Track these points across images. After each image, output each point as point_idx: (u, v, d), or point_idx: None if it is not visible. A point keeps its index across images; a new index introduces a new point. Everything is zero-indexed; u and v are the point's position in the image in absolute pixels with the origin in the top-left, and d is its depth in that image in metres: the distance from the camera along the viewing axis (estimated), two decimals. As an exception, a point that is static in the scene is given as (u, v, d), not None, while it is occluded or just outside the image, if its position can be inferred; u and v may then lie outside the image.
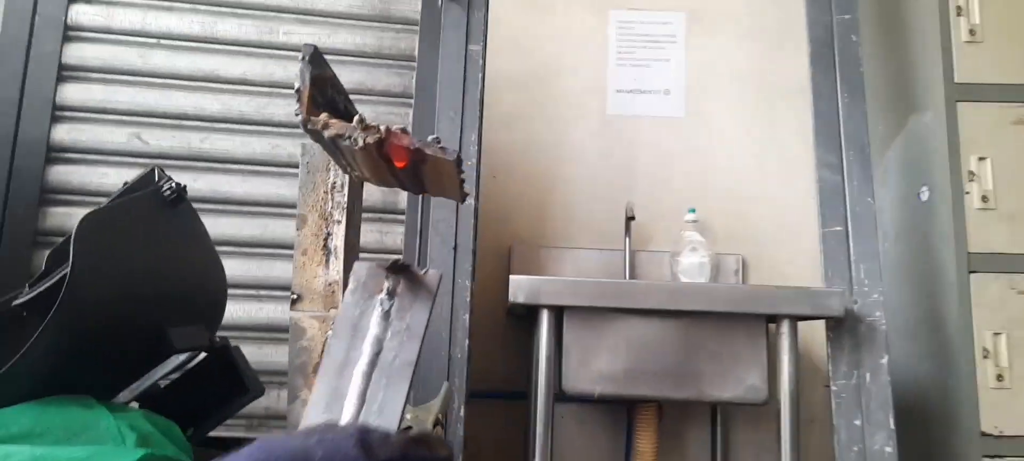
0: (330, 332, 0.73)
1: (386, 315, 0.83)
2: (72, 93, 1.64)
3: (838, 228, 1.73)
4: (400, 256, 1.64)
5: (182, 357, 0.96)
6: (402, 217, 1.67)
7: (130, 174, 1.51)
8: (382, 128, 0.75)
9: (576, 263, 2.22)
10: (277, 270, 1.67)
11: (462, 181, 0.84)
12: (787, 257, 2.26)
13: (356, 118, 0.76)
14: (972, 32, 1.87)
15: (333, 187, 0.78)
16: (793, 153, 2.32)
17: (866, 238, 1.70)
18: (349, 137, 0.74)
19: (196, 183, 1.60)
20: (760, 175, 2.32)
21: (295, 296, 0.74)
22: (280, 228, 1.66)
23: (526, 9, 2.43)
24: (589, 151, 2.34)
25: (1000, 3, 1.89)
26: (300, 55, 0.77)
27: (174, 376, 0.99)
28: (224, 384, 0.97)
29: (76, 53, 1.65)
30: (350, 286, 0.82)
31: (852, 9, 1.93)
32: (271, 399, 1.23)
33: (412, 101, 1.71)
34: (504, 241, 2.24)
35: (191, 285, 0.97)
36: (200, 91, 1.68)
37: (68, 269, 0.76)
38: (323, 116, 0.75)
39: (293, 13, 1.71)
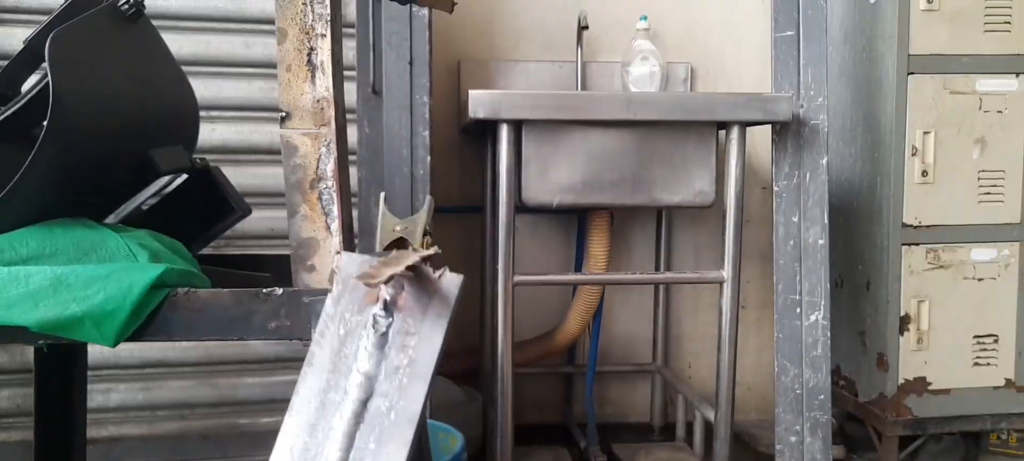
0: (323, 149, 0.73)
1: (381, 340, 0.66)
2: None
3: (789, 33, 1.76)
4: (354, 73, 1.60)
5: (163, 180, 0.95)
6: (352, 30, 1.60)
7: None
8: None
9: (527, 76, 2.20)
10: (226, 90, 1.62)
11: None
12: (733, 66, 2.29)
13: None
14: None
15: None
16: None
17: (815, 42, 1.74)
18: None
19: None
20: (708, -13, 2.29)
21: (284, 114, 0.73)
22: (224, 44, 1.59)
23: None
24: (539, -44, 2.25)
25: None
26: None
27: (153, 200, 0.98)
28: (208, 205, 0.97)
29: None
30: (333, 290, 0.68)
31: None
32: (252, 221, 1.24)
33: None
34: (452, 57, 2.19)
35: (165, 104, 0.94)
36: None
37: (49, 91, 0.71)
38: None
39: None
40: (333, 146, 0.72)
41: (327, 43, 0.71)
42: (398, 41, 1.58)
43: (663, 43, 2.23)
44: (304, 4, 0.72)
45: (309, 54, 0.73)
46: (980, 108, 1.83)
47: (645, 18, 2.15)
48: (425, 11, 1.58)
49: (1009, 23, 1.83)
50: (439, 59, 2.17)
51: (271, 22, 1.57)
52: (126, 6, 0.86)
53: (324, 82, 0.72)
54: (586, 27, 2.09)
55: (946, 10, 1.81)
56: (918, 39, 1.81)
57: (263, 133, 1.64)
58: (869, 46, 1.93)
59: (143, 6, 0.89)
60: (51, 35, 0.72)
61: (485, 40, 2.23)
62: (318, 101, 0.72)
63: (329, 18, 0.71)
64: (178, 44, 1.55)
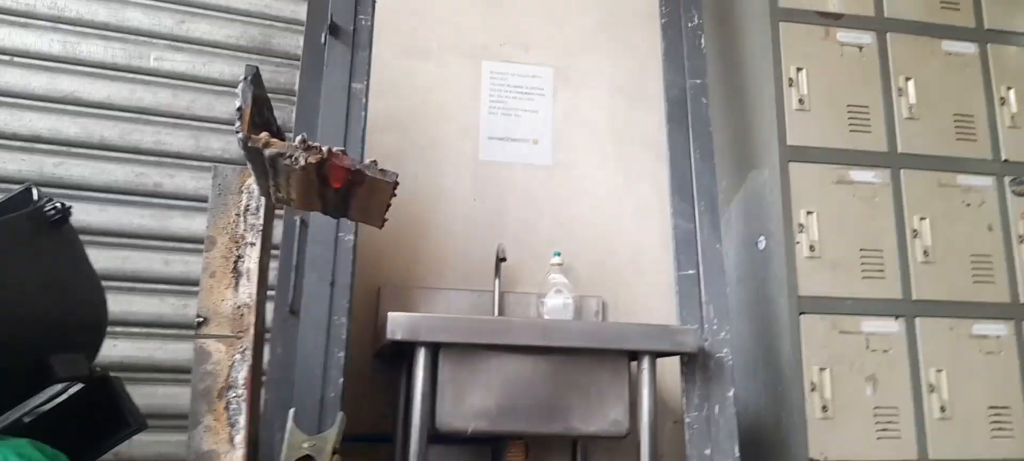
0: (237, 356, 0.73)
1: None
2: (-97, 107, 1.49)
3: (691, 271, 1.90)
4: (272, 292, 1.61)
5: (58, 387, 0.90)
6: (276, 252, 1.64)
7: (-31, 198, 1.39)
8: (324, 149, 0.77)
9: (447, 303, 2.25)
10: (136, 305, 1.58)
11: (389, 205, 0.87)
12: (642, 299, 2.42)
13: (299, 137, 0.77)
14: (801, 102, 2.14)
15: (246, 209, 0.78)
16: (648, 202, 2.51)
17: (715, 281, 1.88)
18: (290, 156, 0.74)
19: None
20: (619, 221, 2.49)
21: (200, 319, 0.73)
22: (141, 260, 1.58)
23: (404, 53, 2.48)
24: (462, 195, 2.41)
25: (823, 78, 2.18)
26: (242, 76, 0.77)
27: (46, 407, 0.92)
28: (103, 417, 0.91)
29: (-90, 63, 1.50)
30: None
31: (702, 75, 2.14)
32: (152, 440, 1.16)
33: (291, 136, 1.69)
34: (373, 282, 2.24)
35: (72, 311, 0.92)
36: (57, 113, 1.57)
37: None
38: (264, 135, 0.76)
39: (166, 39, 1.66)
40: (248, 354, 0.72)
41: (256, 252, 0.73)
42: (322, 263, 1.61)
43: (576, 276, 2.35)
44: (237, 214, 0.75)
45: (236, 262, 0.75)
46: (868, 347, 1.98)
47: (559, 253, 2.29)
48: (351, 236, 1.64)
49: (882, 271, 2.04)
50: (360, 282, 2.21)
51: (194, 241, 1.60)
52: (52, 212, 0.88)
53: (248, 289, 0.73)
54: (504, 259, 2.20)
55: (827, 258, 2.01)
56: (805, 282, 1.98)
57: (168, 350, 1.59)
58: (763, 287, 2.10)
59: (69, 213, 0.90)
60: None
61: (407, 268, 2.30)
62: (239, 308, 0.73)
63: (260, 229, 0.74)
64: (95, 258, 1.54)
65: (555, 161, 2.51)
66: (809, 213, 2.05)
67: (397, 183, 0.80)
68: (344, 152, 0.79)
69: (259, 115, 0.80)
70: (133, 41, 1.64)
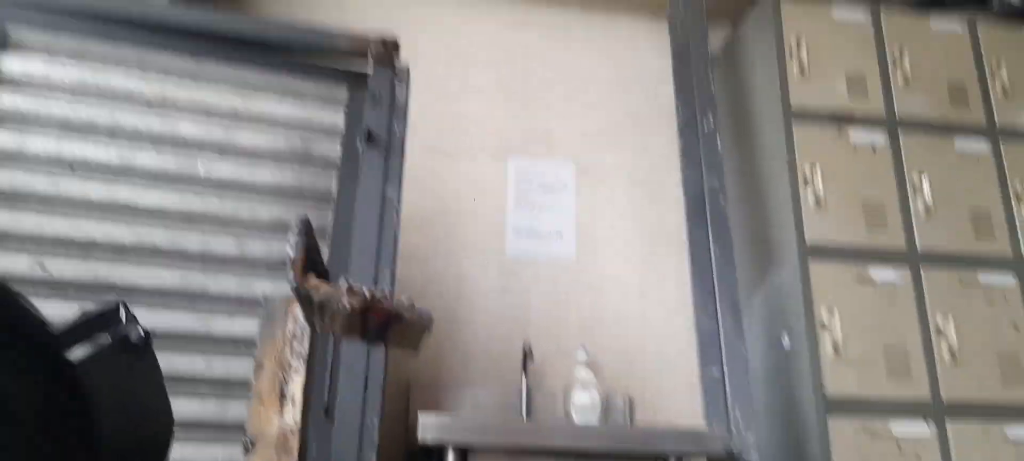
0: (286, 487, 0.77)
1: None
2: (-27, 217, 1.58)
3: (715, 371, 1.92)
4: (309, 393, 1.65)
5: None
6: (313, 353, 1.69)
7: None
8: (366, 292, 0.83)
9: (475, 400, 2.28)
10: (178, 407, 1.63)
11: (425, 337, 0.93)
12: (668, 395, 2.43)
13: (343, 283, 0.84)
14: (817, 200, 2.20)
15: (292, 337, 0.84)
16: (672, 296, 2.55)
17: (740, 382, 1.90)
18: (338, 302, 0.81)
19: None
20: (644, 316, 2.52)
21: (249, 441, 0.78)
22: (184, 362, 1.64)
23: (432, 154, 2.59)
24: (488, 290, 2.46)
25: (838, 176, 2.24)
26: (295, 228, 0.84)
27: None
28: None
29: (-20, 176, 1.61)
30: None
31: (720, 177, 2.21)
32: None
33: (329, 238, 1.77)
34: (402, 380, 2.28)
35: (150, 433, 0.97)
36: (111, 221, 1.67)
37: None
38: (314, 280, 0.83)
39: (214, 148, 1.76)
40: None
41: (300, 378, 0.79)
42: (354, 364, 1.66)
43: (602, 371, 2.38)
44: (284, 343, 0.81)
45: (282, 387, 0.80)
46: (900, 451, 1.97)
47: (584, 349, 2.32)
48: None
49: (908, 370, 2.05)
50: (390, 379, 2.25)
51: (235, 342, 1.66)
52: (138, 338, 0.94)
53: (293, 414, 0.78)
54: (530, 356, 2.23)
55: (851, 356, 2.03)
56: (831, 382, 1.99)
57: (205, 454, 1.63)
58: (789, 387, 2.11)
59: (151, 338, 0.96)
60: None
61: (435, 364, 2.34)
62: (284, 433, 0.78)
63: (305, 355, 0.79)
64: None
65: (579, 253, 2.57)
66: (831, 312, 2.08)
67: (432, 322, 0.87)
68: (385, 296, 0.85)
69: (309, 261, 0.87)
70: (183, 150, 1.74)
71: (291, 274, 0.82)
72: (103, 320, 0.98)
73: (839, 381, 2.00)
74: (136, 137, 1.74)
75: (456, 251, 2.49)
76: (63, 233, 1.63)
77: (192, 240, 1.70)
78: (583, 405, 2.16)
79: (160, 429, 1.00)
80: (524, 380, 2.25)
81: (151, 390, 0.99)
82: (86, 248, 1.63)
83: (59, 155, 1.67)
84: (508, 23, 2.84)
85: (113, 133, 1.72)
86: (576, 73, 2.83)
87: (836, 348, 2.03)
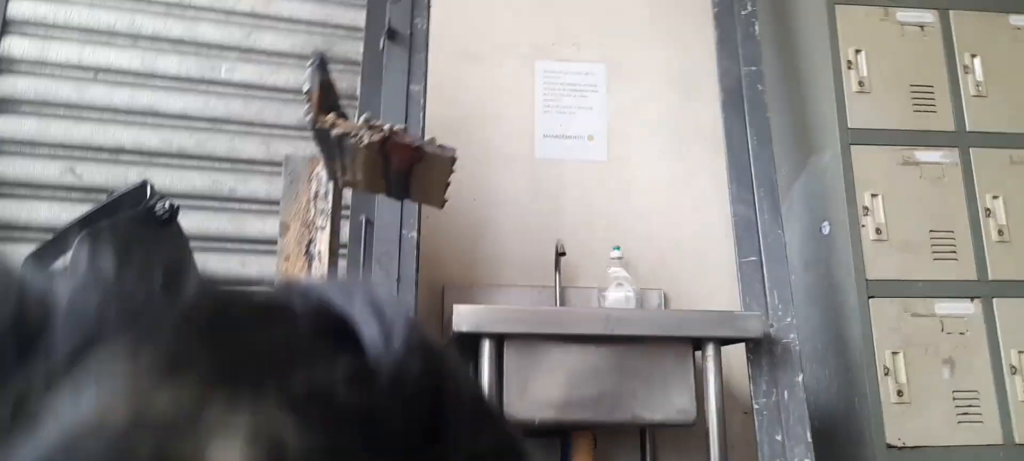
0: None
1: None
2: (2, 125, 1.60)
3: (753, 258, 1.88)
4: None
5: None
6: (342, 250, 1.70)
7: (62, 209, 1.49)
8: (386, 127, 0.81)
9: (507, 301, 2.28)
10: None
11: (448, 183, 0.91)
12: (704, 290, 2.40)
13: (363, 117, 0.81)
14: (861, 83, 2.10)
15: (315, 195, 0.82)
16: (707, 193, 2.49)
17: (778, 267, 1.86)
18: (356, 135, 0.79)
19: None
20: (678, 214, 2.48)
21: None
22: (219, 263, 1.66)
23: (457, 58, 2.53)
24: (518, 194, 2.44)
25: (883, 59, 2.14)
26: (310, 61, 0.82)
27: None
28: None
29: (8, 86, 1.62)
30: None
31: (758, 62, 2.13)
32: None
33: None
34: (437, 282, 2.29)
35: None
36: (138, 125, 1.67)
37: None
38: (331, 116, 0.80)
39: (236, 50, 1.74)
40: None
41: (325, 235, 0.78)
42: (387, 261, 1.66)
43: (636, 270, 2.35)
44: (307, 200, 0.80)
45: (308, 245, 0.79)
46: (943, 330, 1.92)
47: (618, 248, 2.29)
48: (414, 233, 1.69)
49: (955, 252, 1.98)
50: (425, 283, 2.26)
51: (268, 242, 1.67)
52: (162, 211, 0.94)
53: (320, 269, 0.77)
54: (563, 254, 2.21)
55: (895, 240, 1.96)
56: (873, 265, 1.94)
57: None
58: (829, 273, 2.06)
59: (176, 212, 0.96)
60: (80, 237, 0.79)
61: (468, 267, 2.34)
62: None
63: (329, 212, 0.78)
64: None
65: (610, 156, 2.52)
66: (874, 196, 2.01)
67: (455, 159, 0.83)
68: (405, 129, 0.83)
69: (325, 100, 0.84)
70: (206, 54, 1.72)
71: (307, 107, 0.80)
72: (132, 197, 0.99)
73: (881, 265, 1.94)
74: (157, 41, 1.72)
75: (485, 157, 2.46)
76: (91, 139, 1.64)
77: (220, 143, 1.70)
78: (617, 300, 2.14)
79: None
80: (557, 278, 2.24)
81: (178, 255, 1.00)
82: (114, 153, 1.64)
83: (81, 62, 1.67)
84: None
85: (134, 38, 1.71)
86: (603, -30, 2.72)
87: (879, 231, 1.97)
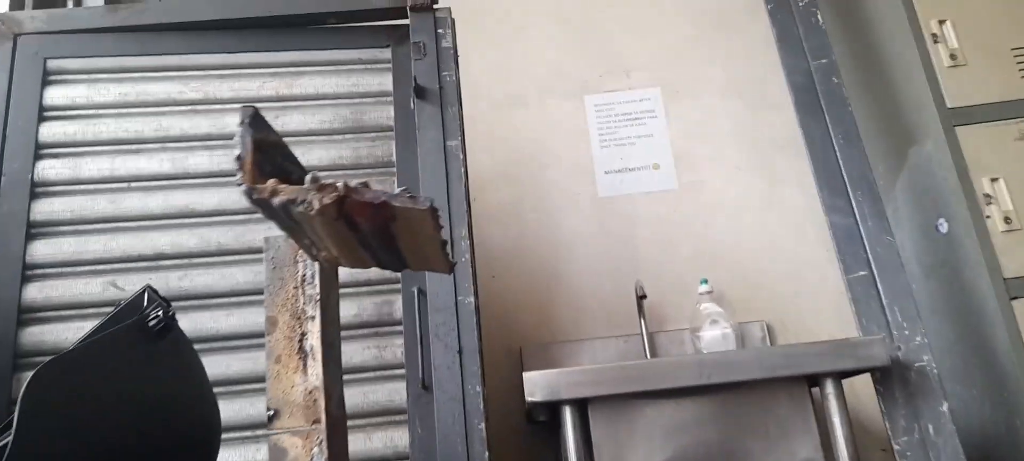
0: (315, 450, 0.61)
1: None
2: (42, 250, 1.55)
3: (863, 272, 1.63)
4: (402, 370, 1.52)
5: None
6: (400, 328, 1.55)
7: (106, 326, 1.40)
8: (339, 184, 0.66)
9: (593, 354, 2.09)
10: (253, 406, 1.54)
11: (443, 241, 0.74)
12: (812, 315, 2.14)
13: (309, 177, 0.67)
14: (953, 57, 1.84)
15: (303, 280, 0.68)
16: (797, 204, 2.25)
17: (894, 278, 1.60)
18: (303, 202, 0.64)
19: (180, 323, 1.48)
20: (767, 234, 2.24)
21: (271, 412, 0.63)
22: (261, 363, 1.54)
23: (499, 106, 2.41)
24: (586, 236, 2.26)
25: (973, 25, 1.87)
26: (238, 120, 0.68)
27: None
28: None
29: (44, 209, 1.58)
30: None
31: (828, 53, 1.90)
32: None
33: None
34: (513, 343, 2.12)
35: (179, 429, 0.85)
36: (176, 228, 1.59)
37: (10, 438, 0.64)
38: (271, 182, 0.66)
39: (266, 136, 1.65)
40: (325, 446, 0.60)
41: (316, 327, 0.63)
42: (445, 332, 1.51)
43: (730, 303, 2.11)
44: (295, 288, 0.65)
45: (301, 341, 0.64)
46: (1110, 324, 1.60)
47: (705, 281, 2.07)
48: (470, 298, 1.53)
49: (1109, 229, 1.67)
50: (498, 347, 2.09)
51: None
52: (154, 320, 0.82)
53: (315, 369, 0.62)
54: (644, 296, 2.01)
55: (1032, 225, 1.67)
56: (1009, 260, 1.65)
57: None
58: (956, 276, 1.77)
59: (174, 319, 0.84)
60: (36, 371, 0.67)
61: (544, 324, 2.17)
62: (310, 393, 0.62)
63: (318, 299, 0.63)
64: (227, 363, 1.52)
65: (681, 183, 2.32)
66: (994, 180, 1.73)
67: (436, 210, 0.67)
68: (365, 184, 0.67)
69: (269, 162, 0.70)
70: (236, 145, 1.64)
71: (239, 176, 0.66)
72: (131, 308, 0.87)
73: (1019, 258, 1.65)
74: (186, 141, 1.66)
75: (544, 203, 2.30)
76: (131, 249, 1.57)
77: (258, 234, 1.60)
78: (714, 340, 1.92)
79: (198, 423, 0.88)
80: (642, 324, 2.03)
81: (181, 376, 0.87)
82: (154, 260, 1.57)
83: (114, 173, 1.62)
84: (561, -46, 2.61)
85: (163, 142, 1.65)
86: (643, -8, 2.56)
87: (1008, 220, 1.68)
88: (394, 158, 1.67)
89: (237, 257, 1.59)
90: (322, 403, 0.63)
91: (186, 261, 1.58)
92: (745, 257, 2.21)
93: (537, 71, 2.47)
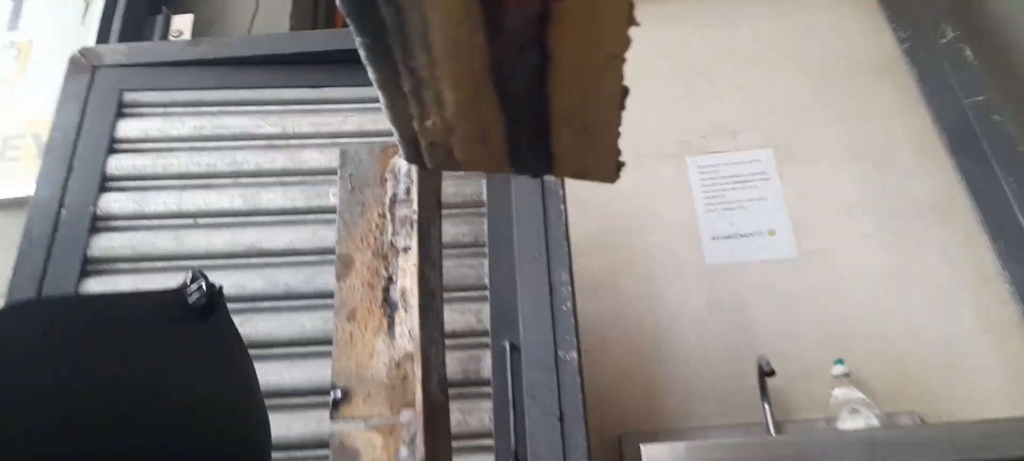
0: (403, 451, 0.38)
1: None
2: (94, 287, 1.40)
3: (1064, 337, 1.29)
4: (491, 440, 1.25)
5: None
6: (488, 389, 1.30)
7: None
8: None
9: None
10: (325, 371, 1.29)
11: (624, 90, 0.51)
12: (972, 400, 1.76)
13: None
14: None
15: (393, 201, 0.47)
16: (939, 276, 1.92)
17: (1112, 343, 1.26)
18: None
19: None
20: (906, 309, 1.91)
21: (338, 394, 0.41)
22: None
23: (597, 167, 2.21)
24: (694, 308, 1.98)
25: None
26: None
27: None
28: None
29: (103, 244, 1.44)
30: None
31: (982, 90, 1.65)
32: None
33: (486, 249, 1.42)
34: (610, 431, 1.82)
35: (209, 436, 0.63)
36: (240, 268, 1.42)
37: None
38: None
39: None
40: (419, 443, 0.37)
41: (412, 263, 0.41)
42: (543, 393, 1.25)
43: (870, 389, 1.77)
44: (380, 215, 0.45)
45: (386, 288, 0.43)
46: None
47: (841, 362, 1.75)
48: (573, 354, 1.27)
49: None
50: (593, 434, 1.80)
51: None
52: (196, 295, 0.62)
53: (407, 328, 0.40)
54: (771, 373, 1.70)
55: None
56: None
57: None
58: None
59: (220, 296, 0.64)
60: None
61: (646, 411, 1.87)
62: (398, 365, 0.40)
63: (416, 221, 0.42)
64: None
65: (801, 251, 2.04)
66: None
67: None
68: None
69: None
70: (311, 182, 1.49)
71: None
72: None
73: None
74: (260, 176, 1.51)
75: (647, 271, 2.05)
76: (189, 289, 1.40)
77: (329, 278, 1.41)
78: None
79: (236, 432, 0.65)
80: (766, 409, 1.71)
81: (220, 368, 0.65)
82: (214, 302, 1.39)
83: (181, 208, 1.48)
84: (660, 18, 2.47)
85: (236, 176, 1.51)
86: (743, 51, 2.38)
87: None
88: (484, 196, 1.47)
89: (305, 302, 1.40)
90: (417, 379, 0.40)
91: (250, 304, 1.40)
92: (884, 336, 1.88)
93: (635, 132, 2.27)
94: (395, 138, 0.55)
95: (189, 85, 1.61)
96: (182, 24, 2.14)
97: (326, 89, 1.62)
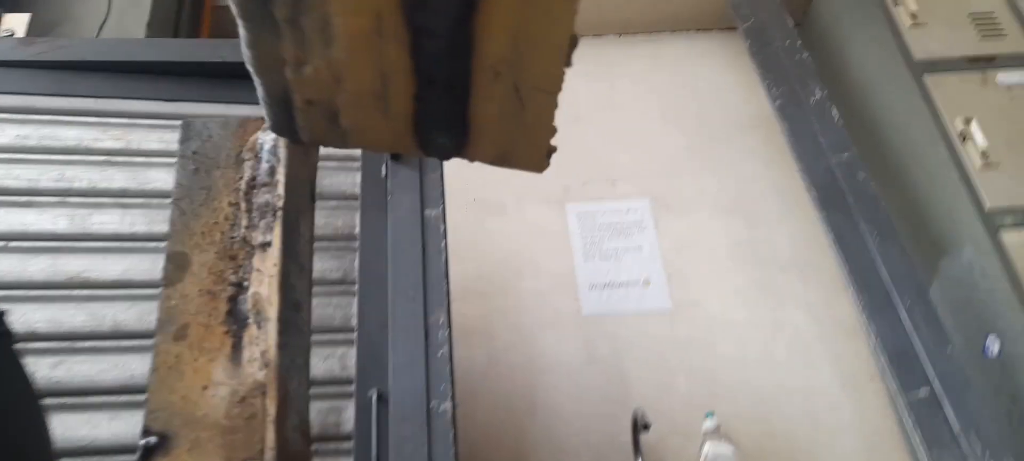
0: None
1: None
2: None
3: (923, 393, 1.34)
4: (350, 502, 1.11)
5: None
6: (348, 445, 1.16)
7: None
8: None
9: (576, 504, 1.69)
10: None
11: (572, 42, 0.41)
12: (843, 453, 1.81)
13: None
14: (985, 155, 1.68)
15: (250, 186, 0.37)
16: (803, 331, 1.98)
17: (965, 398, 1.31)
18: None
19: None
20: (772, 363, 1.95)
21: (151, 441, 0.30)
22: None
23: (472, 211, 2.14)
24: (569, 358, 1.93)
25: (1003, 124, 1.73)
26: None
27: None
28: None
29: None
30: None
31: (848, 147, 1.74)
32: None
33: (355, 287, 1.29)
34: (480, 488, 1.72)
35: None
36: (59, 301, 1.21)
37: None
38: None
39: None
40: None
41: (272, 262, 0.34)
42: (412, 449, 1.13)
43: (739, 443, 1.78)
44: (231, 204, 0.35)
45: (233, 299, 0.34)
46: None
47: (712, 414, 1.75)
48: (447, 404, 1.17)
49: None
50: (462, 492, 1.68)
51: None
52: None
53: (259, 349, 0.30)
54: (647, 426, 1.66)
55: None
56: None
57: None
58: (1014, 405, 1.50)
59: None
60: None
61: (517, 458, 1.78)
62: (242, 400, 0.32)
63: (280, 211, 0.32)
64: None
65: (675, 302, 2.04)
66: (1051, 289, 1.51)
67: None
68: None
69: None
70: (156, 206, 1.31)
71: None
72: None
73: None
74: (92, 195, 1.32)
75: (522, 320, 1.98)
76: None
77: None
78: (732, 482, 1.56)
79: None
80: (642, 462, 1.66)
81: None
82: (24, 343, 1.17)
83: (-12, 226, 1.25)
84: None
85: (63, 195, 1.31)
86: (623, 102, 2.42)
87: (1077, 336, 1.44)
88: (357, 230, 1.35)
89: (136, 342, 1.20)
90: (271, 419, 0.29)
91: (66, 343, 1.19)
92: (752, 389, 1.91)
93: (515, 178, 2.23)
94: (260, 100, 0.43)
95: (15, 89, 1.39)
96: (15, 23, 1.88)
97: (181, 104, 1.45)
